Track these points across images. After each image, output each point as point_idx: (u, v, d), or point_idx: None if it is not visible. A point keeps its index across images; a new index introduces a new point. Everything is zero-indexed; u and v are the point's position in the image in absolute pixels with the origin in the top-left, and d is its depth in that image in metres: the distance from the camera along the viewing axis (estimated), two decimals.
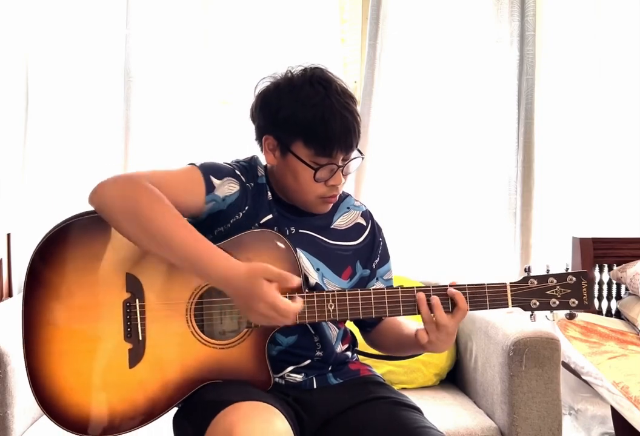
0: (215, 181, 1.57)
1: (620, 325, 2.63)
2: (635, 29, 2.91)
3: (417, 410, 1.61)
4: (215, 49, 2.80)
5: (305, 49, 2.79)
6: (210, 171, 1.57)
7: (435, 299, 1.53)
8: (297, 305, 1.44)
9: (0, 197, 2.69)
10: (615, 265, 2.82)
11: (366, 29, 2.79)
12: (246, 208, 1.61)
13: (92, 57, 2.72)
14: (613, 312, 2.82)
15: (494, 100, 2.88)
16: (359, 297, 1.54)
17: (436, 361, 2.50)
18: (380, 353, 1.84)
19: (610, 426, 2.58)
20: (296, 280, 1.44)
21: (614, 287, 2.85)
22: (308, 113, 1.53)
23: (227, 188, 1.58)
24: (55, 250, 1.54)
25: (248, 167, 1.66)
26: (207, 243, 1.46)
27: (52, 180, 2.73)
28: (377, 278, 1.74)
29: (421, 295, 1.54)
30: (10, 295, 2.65)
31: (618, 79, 2.93)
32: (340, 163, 1.57)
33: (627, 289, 2.78)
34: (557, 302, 1.57)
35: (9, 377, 1.91)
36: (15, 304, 2.36)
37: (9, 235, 2.65)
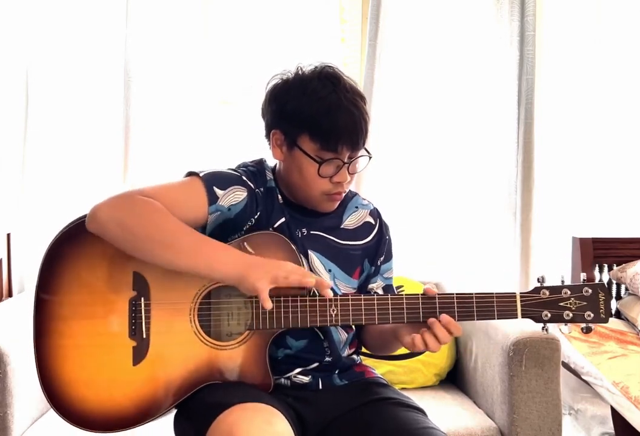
0: (219, 191, 1.55)
1: (620, 325, 2.63)
2: (636, 28, 2.91)
3: (421, 411, 1.61)
4: (215, 48, 2.80)
5: (305, 48, 2.79)
6: (213, 181, 1.56)
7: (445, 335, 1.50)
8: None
9: (0, 197, 2.69)
10: (615, 265, 2.81)
11: (366, 29, 2.79)
12: (258, 214, 1.61)
13: (92, 56, 2.72)
14: (613, 312, 2.81)
15: (494, 100, 2.88)
16: (362, 302, 1.52)
17: (436, 362, 2.50)
18: (381, 354, 1.84)
19: (610, 426, 2.58)
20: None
21: (614, 287, 2.84)
22: (314, 106, 1.54)
23: (233, 197, 1.57)
24: (66, 247, 1.57)
25: (256, 171, 1.65)
26: (209, 239, 1.51)
27: (52, 180, 2.72)
28: (378, 275, 1.73)
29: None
30: (10, 295, 2.65)
31: (618, 79, 2.93)
32: (346, 160, 1.57)
33: (627, 289, 2.77)
34: (571, 315, 1.50)
35: (9, 377, 1.91)
36: (15, 304, 2.37)
37: (9, 235, 2.65)
